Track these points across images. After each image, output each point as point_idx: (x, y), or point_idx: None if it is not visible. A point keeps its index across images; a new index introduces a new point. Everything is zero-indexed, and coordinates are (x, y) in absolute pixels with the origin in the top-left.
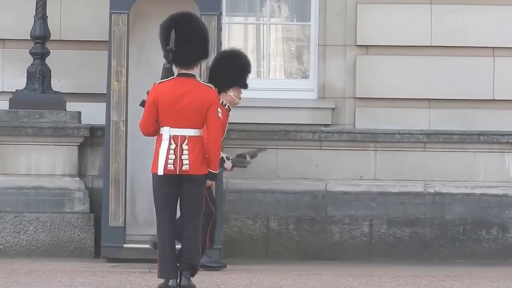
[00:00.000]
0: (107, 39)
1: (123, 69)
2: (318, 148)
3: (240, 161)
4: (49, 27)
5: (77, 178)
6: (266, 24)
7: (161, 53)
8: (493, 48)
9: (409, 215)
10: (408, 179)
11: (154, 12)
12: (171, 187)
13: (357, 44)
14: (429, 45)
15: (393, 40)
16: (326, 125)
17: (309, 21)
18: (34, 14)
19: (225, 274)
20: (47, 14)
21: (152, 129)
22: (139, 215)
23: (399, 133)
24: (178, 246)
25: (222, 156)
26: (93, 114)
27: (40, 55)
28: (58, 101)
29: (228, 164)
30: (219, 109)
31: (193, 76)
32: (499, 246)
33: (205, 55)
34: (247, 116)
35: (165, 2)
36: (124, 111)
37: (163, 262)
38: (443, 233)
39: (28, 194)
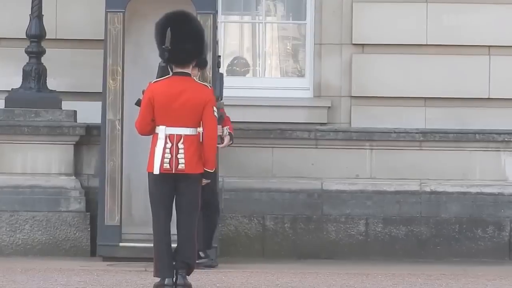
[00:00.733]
0: (103, 38)
1: (119, 68)
2: (314, 146)
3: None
4: (44, 26)
5: (73, 177)
6: (262, 22)
7: (157, 52)
8: (489, 46)
9: (405, 213)
10: (404, 178)
11: (150, 10)
12: (167, 186)
13: (353, 42)
14: (425, 43)
15: (389, 38)
16: (322, 123)
17: (305, 19)
18: (29, 12)
19: (221, 272)
20: (42, 13)
21: (148, 128)
22: (135, 214)
23: (395, 132)
24: (174, 245)
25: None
26: (89, 113)
27: (35, 54)
28: (54, 100)
29: (227, 139)
30: (214, 108)
31: (188, 75)
32: (495, 244)
33: (200, 54)
34: (243, 114)
35: (161, 0)
36: (120, 110)
37: (159, 261)
38: (439, 232)
39: (24, 193)
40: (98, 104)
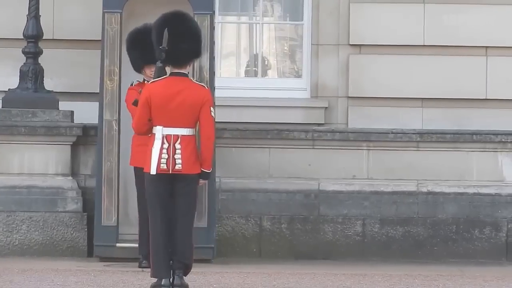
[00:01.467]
0: (100, 38)
1: (116, 68)
2: (311, 147)
3: None
4: (42, 26)
5: (70, 177)
6: (259, 23)
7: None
8: (486, 47)
9: (402, 214)
10: (401, 179)
11: (147, 11)
12: (164, 186)
13: (350, 43)
14: (422, 44)
15: (386, 39)
16: (319, 124)
17: (302, 20)
18: (27, 13)
19: (218, 273)
20: (40, 13)
21: (145, 129)
22: (131, 214)
23: (392, 133)
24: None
25: None
26: (86, 113)
27: (33, 54)
28: (51, 100)
29: None
30: (212, 108)
31: (185, 75)
32: (492, 245)
33: (197, 55)
34: (240, 115)
35: (158, 1)
36: (117, 110)
37: (156, 261)
38: (436, 233)
39: (21, 193)
40: (95, 104)
